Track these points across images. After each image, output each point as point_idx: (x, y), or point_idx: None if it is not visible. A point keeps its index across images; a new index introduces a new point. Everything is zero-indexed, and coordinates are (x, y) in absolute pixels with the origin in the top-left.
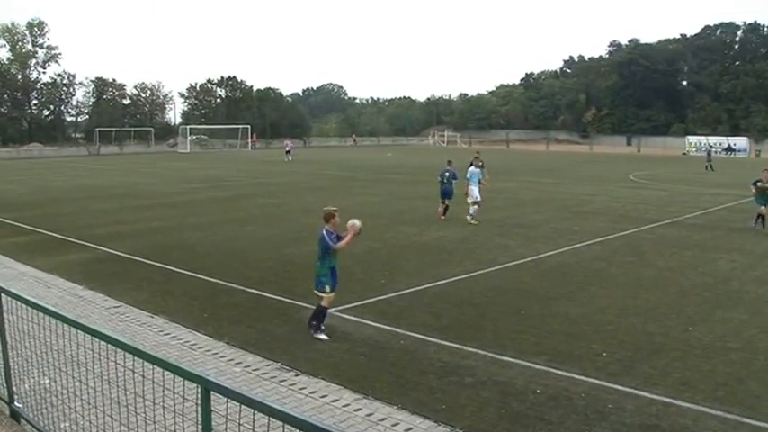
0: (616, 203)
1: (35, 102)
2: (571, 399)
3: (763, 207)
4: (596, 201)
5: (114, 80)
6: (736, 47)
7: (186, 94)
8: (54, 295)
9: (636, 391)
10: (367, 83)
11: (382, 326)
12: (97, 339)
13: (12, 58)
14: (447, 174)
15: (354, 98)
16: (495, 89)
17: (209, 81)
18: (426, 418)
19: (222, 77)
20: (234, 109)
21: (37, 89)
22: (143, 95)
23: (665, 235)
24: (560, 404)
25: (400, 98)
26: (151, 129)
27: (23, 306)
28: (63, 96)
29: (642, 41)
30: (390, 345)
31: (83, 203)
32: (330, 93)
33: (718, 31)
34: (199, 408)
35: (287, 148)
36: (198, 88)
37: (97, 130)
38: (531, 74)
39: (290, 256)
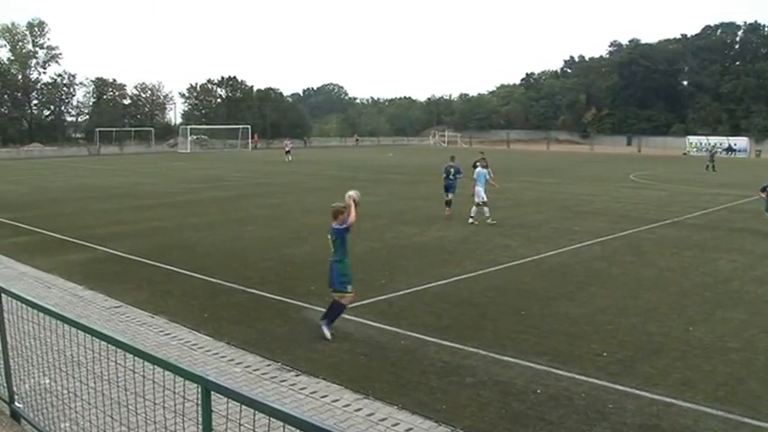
0: (616, 203)
1: (35, 102)
2: (572, 399)
3: None
4: (597, 201)
5: (114, 80)
6: (737, 47)
7: (186, 95)
8: (54, 295)
9: (636, 391)
10: (367, 83)
11: (383, 326)
12: (97, 339)
13: (12, 58)
14: (451, 169)
15: (355, 98)
16: (495, 89)
17: (209, 81)
18: (427, 418)
19: (222, 77)
20: (234, 109)
21: (37, 89)
22: (143, 95)
23: (665, 235)
24: (561, 404)
25: (400, 98)
26: (151, 129)
27: (24, 306)
28: (63, 96)
29: (642, 41)
30: (391, 345)
31: (83, 203)
32: (330, 93)
33: (719, 31)
34: (199, 408)
35: (286, 149)
36: (198, 88)
37: (97, 130)
38: (532, 74)
39: (291, 256)
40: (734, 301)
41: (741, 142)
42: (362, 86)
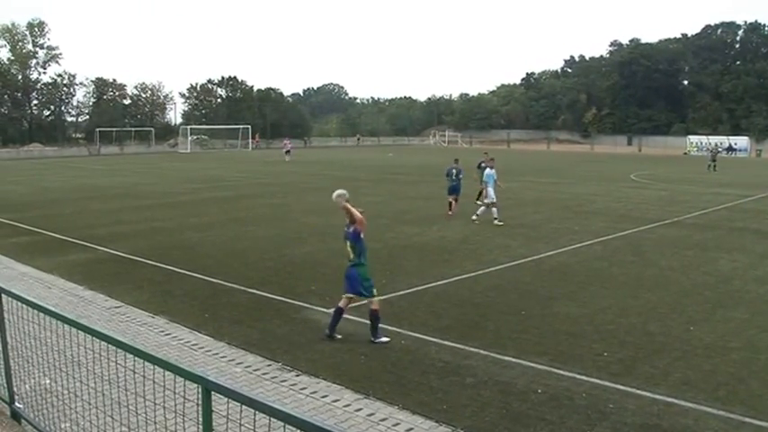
0: (617, 203)
1: (35, 102)
2: (572, 399)
3: None
4: (597, 200)
5: (115, 80)
6: (737, 46)
7: (187, 95)
8: (55, 296)
9: (637, 391)
10: (367, 83)
11: (383, 326)
12: (98, 340)
13: (12, 58)
14: (454, 171)
15: (355, 98)
16: (495, 89)
17: (209, 81)
18: (427, 418)
19: (223, 77)
20: (234, 109)
21: (37, 89)
22: (143, 95)
23: (666, 235)
24: (562, 404)
25: (401, 98)
26: (152, 129)
27: (24, 306)
28: (63, 96)
29: (643, 41)
30: (391, 345)
31: (83, 204)
32: (331, 93)
33: (719, 30)
34: (199, 408)
35: (286, 149)
36: (198, 88)
37: (97, 130)
38: (532, 74)
39: (291, 256)
40: (735, 301)
41: (741, 142)
42: (363, 86)
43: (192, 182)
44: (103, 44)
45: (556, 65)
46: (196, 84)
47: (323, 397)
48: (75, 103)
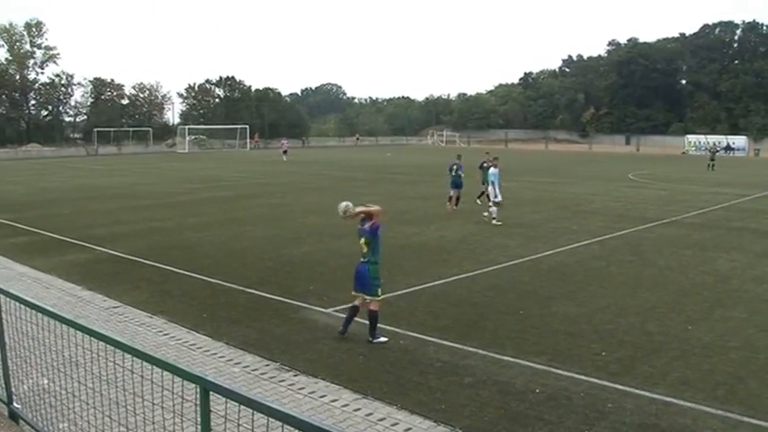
0: (615, 203)
1: (33, 102)
2: (571, 398)
3: None
4: (596, 200)
5: (112, 80)
6: (735, 46)
7: (185, 95)
8: (53, 296)
9: (636, 391)
10: (365, 82)
11: (381, 326)
12: (96, 340)
13: (10, 58)
14: (455, 166)
15: (353, 98)
16: (493, 89)
17: (207, 81)
18: (426, 417)
19: (221, 77)
20: (232, 109)
21: (35, 89)
22: (141, 96)
23: (664, 234)
24: (560, 404)
25: (399, 98)
26: (149, 129)
27: (22, 307)
28: (61, 97)
29: (641, 40)
30: (389, 345)
31: (81, 204)
32: (329, 92)
33: (717, 29)
34: (198, 408)
35: (283, 149)
36: (196, 88)
37: (95, 130)
38: (530, 73)
39: (290, 256)
40: (733, 300)
41: (740, 141)
42: (361, 86)
43: (191, 182)
44: (101, 44)
45: (554, 64)
46: (194, 84)
47: (321, 397)
48: (72, 104)
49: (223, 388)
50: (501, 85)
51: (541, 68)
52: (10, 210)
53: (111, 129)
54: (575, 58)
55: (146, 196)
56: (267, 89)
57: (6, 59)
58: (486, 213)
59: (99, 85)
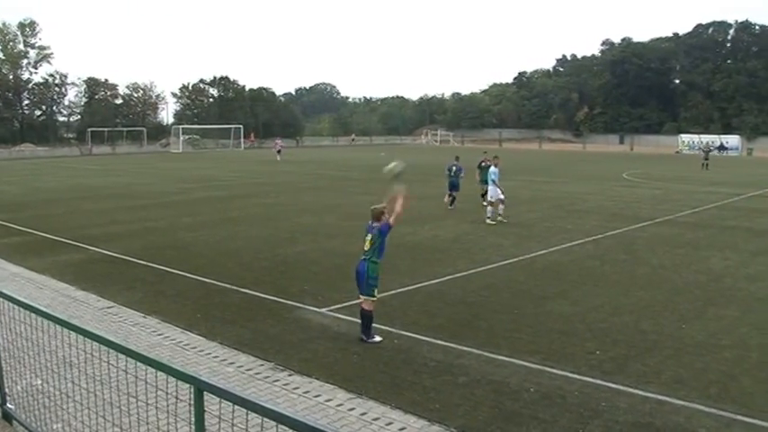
0: (609, 202)
1: (27, 102)
2: (565, 397)
3: None
4: (590, 199)
5: (106, 80)
6: (728, 45)
7: (179, 94)
8: (46, 296)
9: (629, 389)
10: (360, 82)
11: (376, 325)
12: (90, 340)
13: (3, 58)
14: (454, 168)
15: (347, 97)
16: (487, 88)
17: (201, 81)
18: (420, 417)
19: (215, 77)
20: (226, 109)
21: (28, 89)
22: (135, 95)
23: (658, 233)
24: (554, 402)
25: (393, 97)
26: (143, 129)
27: (15, 307)
28: (55, 96)
29: (635, 40)
30: (384, 344)
31: (75, 204)
32: (323, 92)
33: (711, 29)
34: (192, 408)
35: (277, 148)
36: (190, 88)
37: (89, 130)
38: (524, 73)
39: (284, 256)
40: (726, 299)
41: (733, 140)
42: (355, 86)
43: (185, 182)
44: (95, 44)
45: (548, 64)
46: (188, 83)
47: (315, 396)
48: (66, 103)
49: (217, 388)
50: (495, 84)
51: (535, 68)
52: (3, 210)
53: (105, 129)
54: (569, 58)
55: (140, 196)
56: (261, 89)
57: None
58: (500, 215)
59: (93, 84)
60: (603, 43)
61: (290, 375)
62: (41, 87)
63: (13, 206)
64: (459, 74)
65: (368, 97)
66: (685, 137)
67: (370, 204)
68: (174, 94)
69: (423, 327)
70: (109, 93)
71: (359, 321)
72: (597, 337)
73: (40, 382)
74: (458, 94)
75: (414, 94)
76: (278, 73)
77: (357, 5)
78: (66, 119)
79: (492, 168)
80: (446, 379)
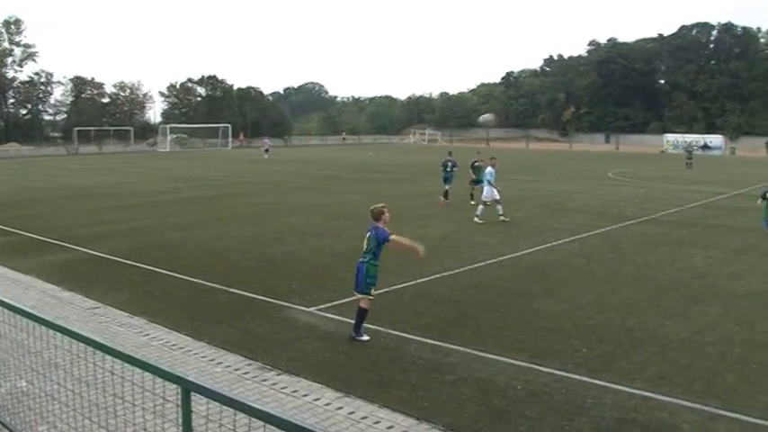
0: (595, 201)
1: (12, 101)
2: (552, 394)
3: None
4: (576, 198)
5: (93, 79)
6: (712, 47)
7: (166, 93)
8: (32, 297)
9: (615, 386)
10: (348, 81)
11: (364, 324)
12: (75, 341)
13: None
14: (449, 163)
15: (335, 97)
16: (475, 87)
17: (189, 80)
18: (408, 415)
19: (203, 76)
20: (214, 108)
21: (14, 88)
22: (122, 94)
23: (643, 232)
24: (541, 400)
25: (381, 97)
26: (131, 128)
27: (0, 308)
28: (40, 95)
29: (620, 41)
30: (371, 343)
31: (62, 203)
32: (311, 91)
33: (694, 30)
34: (179, 409)
35: (265, 147)
36: (178, 87)
37: (76, 129)
38: (512, 72)
39: (273, 255)
40: (710, 296)
41: (716, 140)
42: (343, 85)
43: (173, 181)
44: (81, 43)
45: (535, 64)
46: (176, 82)
47: (303, 396)
48: (52, 102)
49: (205, 388)
50: (483, 84)
51: (523, 68)
52: None
53: (92, 128)
54: (555, 58)
55: (127, 195)
56: (249, 88)
57: None
58: (501, 215)
59: (79, 83)
60: (590, 44)
61: (277, 375)
62: (27, 86)
63: None
64: (448, 73)
65: (356, 96)
66: (670, 136)
67: (358, 204)
68: (162, 93)
69: (410, 325)
70: (95, 92)
71: (347, 321)
72: (583, 335)
73: (25, 384)
74: (446, 93)
75: (402, 94)
76: (266, 72)
77: (345, 5)
78: (52, 118)
79: (489, 169)
80: (433, 377)
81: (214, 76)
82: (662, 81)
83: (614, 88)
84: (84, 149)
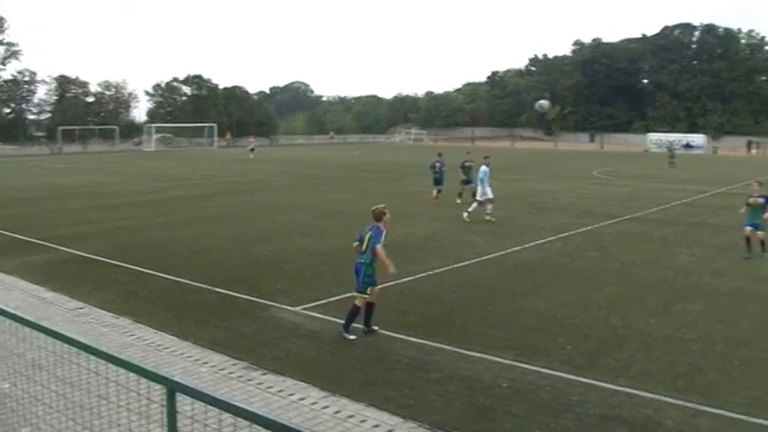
0: (580, 199)
1: None
2: (537, 392)
3: (749, 228)
4: (561, 197)
5: (77, 78)
6: (694, 47)
7: (152, 92)
8: (15, 297)
9: (600, 383)
10: (334, 81)
11: (353, 324)
12: (59, 342)
13: None
14: (438, 164)
15: (321, 96)
16: (461, 87)
17: (174, 79)
18: (394, 414)
19: (188, 75)
20: (200, 107)
21: None
22: (107, 93)
23: (627, 230)
24: (526, 397)
25: (367, 96)
26: (116, 127)
27: None
28: (24, 94)
29: (604, 41)
30: (357, 342)
31: (46, 203)
32: (297, 91)
33: (677, 31)
34: (164, 409)
35: (250, 146)
36: (163, 86)
37: (60, 128)
38: (497, 72)
39: (258, 254)
40: (692, 294)
41: (699, 139)
42: (329, 84)
43: (158, 180)
44: (66, 41)
45: (520, 63)
46: (161, 82)
47: (289, 395)
48: (36, 101)
49: (189, 388)
50: (468, 83)
51: (508, 67)
52: None
53: (77, 127)
54: (540, 58)
55: (112, 195)
56: (235, 87)
57: None
58: (488, 214)
59: (63, 82)
60: (574, 43)
61: (263, 374)
62: (10, 85)
63: None
64: (433, 73)
65: (342, 96)
66: (654, 136)
67: (344, 203)
68: (147, 93)
69: (396, 324)
70: (80, 90)
71: (332, 320)
72: (568, 333)
73: (7, 385)
74: (431, 92)
75: (388, 93)
76: (252, 72)
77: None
78: (35, 117)
79: (483, 167)
80: (419, 375)
81: (200, 76)
82: (645, 81)
83: (599, 88)
84: (69, 149)
